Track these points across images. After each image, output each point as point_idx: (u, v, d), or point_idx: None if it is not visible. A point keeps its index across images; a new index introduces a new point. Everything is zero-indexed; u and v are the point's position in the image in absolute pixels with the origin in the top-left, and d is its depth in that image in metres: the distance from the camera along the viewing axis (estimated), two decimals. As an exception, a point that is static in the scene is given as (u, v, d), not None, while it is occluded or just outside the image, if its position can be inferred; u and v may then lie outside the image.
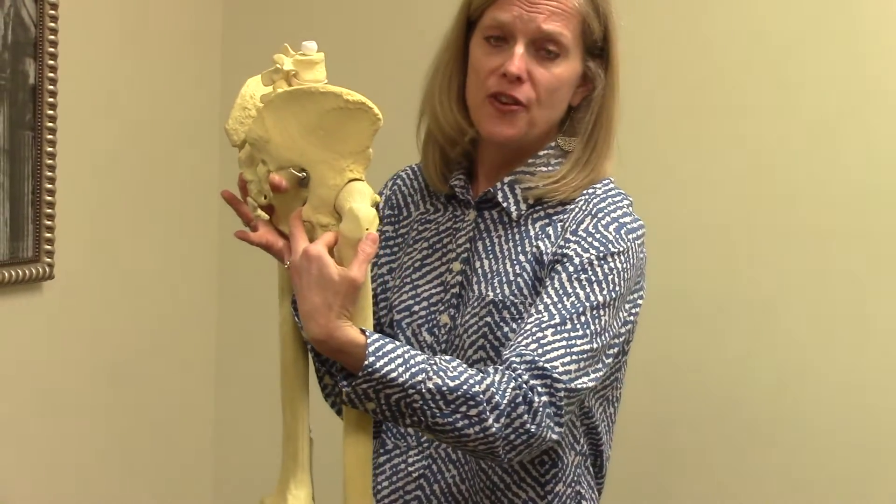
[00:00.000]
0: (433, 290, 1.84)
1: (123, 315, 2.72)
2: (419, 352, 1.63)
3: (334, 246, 1.62)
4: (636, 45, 2.36)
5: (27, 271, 2.42)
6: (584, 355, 1.68)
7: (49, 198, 2.45)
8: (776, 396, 2.55)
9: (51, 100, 2.44)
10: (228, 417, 3.03)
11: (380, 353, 1.59)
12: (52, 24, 2.43)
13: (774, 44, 2.53)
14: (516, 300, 1.77)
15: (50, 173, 2.45)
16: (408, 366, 1.60)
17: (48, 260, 2.47)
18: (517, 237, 1.81)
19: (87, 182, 2.59)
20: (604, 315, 1.71)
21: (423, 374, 1.60)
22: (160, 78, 2.79)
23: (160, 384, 2.85)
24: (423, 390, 1.59)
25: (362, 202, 1.61)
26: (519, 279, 1.78)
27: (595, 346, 1.69)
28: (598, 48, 1.82)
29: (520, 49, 1.76)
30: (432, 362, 1.61)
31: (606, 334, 1.72)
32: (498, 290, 1.78)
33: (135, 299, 2.75)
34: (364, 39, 2.84)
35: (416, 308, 1.84)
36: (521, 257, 1.79)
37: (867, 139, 2.48)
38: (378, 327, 1.88)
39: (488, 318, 1.77)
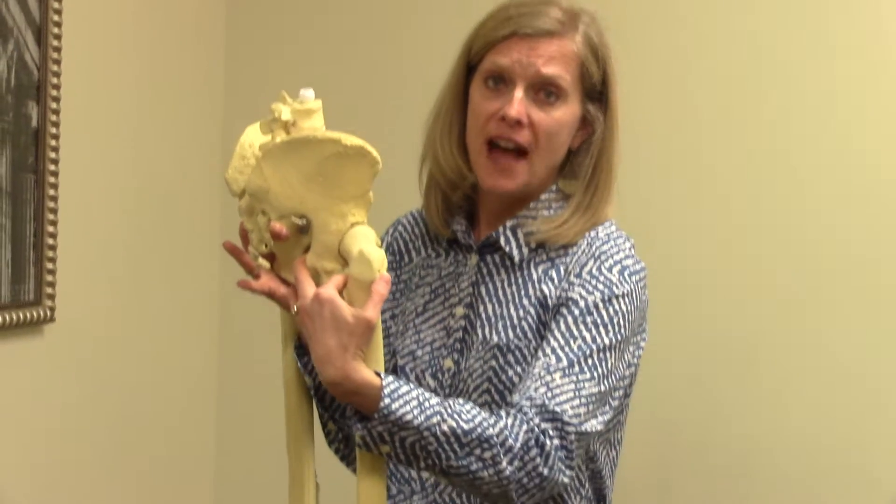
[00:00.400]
0: (436, 335, 1.84)
1: (125, 358, 2.72)
2: (432, 394, 1.63)
3: (343, 289, 1.62)
4: (636, 88, 2.37)
5: (29, 314, 2.42)
6: (593, 398, 1.68)
7: (51, 241, 2.46)
8: (774, 442, 2.55)
9: (53, 143, 2.44)
10: (230, 461, 3.02)
11: (395, 396, 1.59)
12: (55, 68, 2.43)
13: (777, 87, 2.54)
14: (521, 344, 1.77)
15: (52, 216, 2.45)
16: (423, 408, 1.60)
17: (49, 303, 2.47)
18: (520, 281, 1.81)
19: (88, 225, 2.59)
20: (610, 357, 1.72)
21: (438, 417, 1.60)
22: (162, 123, 2.80)
23: (162, 428, 2.85)
24: (438, 433, 1.59)
25: (369, 245, 1.62)
26: (523, 323, 1.78)
27: (602, 388, 1.70)
28: (597, 92, 1.83)
29: (519, 93, 1.76)
30: (446, 405, 1.62)
31: (613, 377, 1.72)
32: (502, 335, 1.78)
33: (136, 343, 2.75)
34: (364, 86, 2.85)
35: (419, 353, 1.84)
36: (525, 301, 1.79)
37: (869, 205, 2.50)
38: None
39: (493, 363, 1.77)
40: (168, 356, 2.86)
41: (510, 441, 1.61)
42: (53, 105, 2.44)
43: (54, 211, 2.45)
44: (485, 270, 1.84)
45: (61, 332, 2.52)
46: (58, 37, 2.43)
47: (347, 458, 1.88)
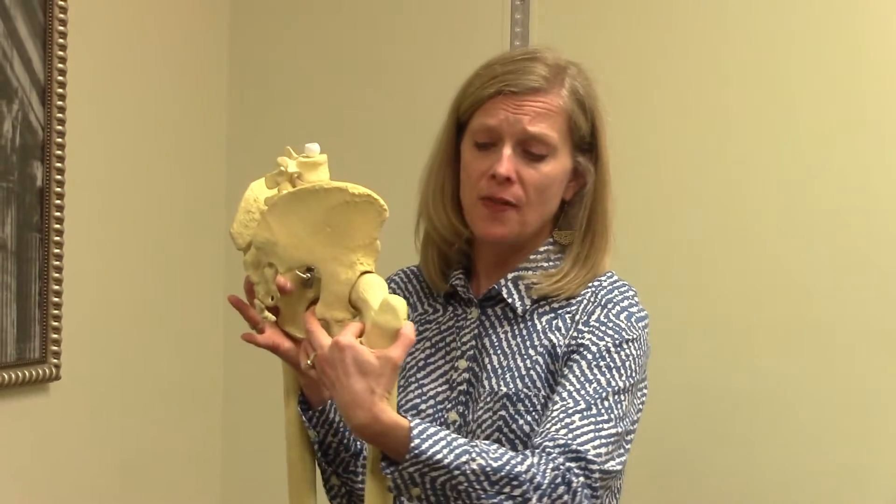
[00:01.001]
0: (439, 389, 1.85)
1: (130, 416, 2.72)
2: (458, 435, 1.63)
3: (359, 337, 1.61)
4: (627, 138, 2.39)
5: (34, 372, 2.43)
6: (612, 439, 1.70)
7: (56, 299, 2.47)
8: (782, 488, 2.54)
9: (58, 202, 2.46)
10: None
11: (424, 436, 1.59)
12: (60, 128, 2.46)
13: (776, 130, 2.55)
14: (530, 393, 1.78)
15: (57, 275, 2.46)
16: (452, 447, 1.60)
17: (55, 361, 2.48)
18: (524, 332, 1.82)
19: (93, 283, 2.60)
20: (623, 400, 1.74)
21: (467, 455, 1.60)
22: (166, 181, 2.82)
23: (167, 486, 2.84)
24: (468, 471, 1.59)
25: (388, 293, 1.62)
26: (532, 372, 1.79)
27: (619, 430, 1.72)
28: (586, 143, 1.84)
29: (507, 151, 1.78)
30: (474, 444, 1.62)
31: (627, 419, 1.74)
32: (510, 385, 1.79)
33: (142, 400, 2.75)
34: (367, 142, 2.86)
35: (423, 406, 1.84)
36: (531, 351, 1.80)
37: (877, 228, 2.50)
38: None
39: (503, 412, 1.78)
40: (174, 414, 2.86)
41: (538, 478, 1.62)
42: (58, 164, 2.46)
43: (59, 269, 2.47)
44: (487, 323, 1.85)
45: (67, 390, 2.52)
46: (62, 97, 2.46)
47: None
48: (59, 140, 2.46)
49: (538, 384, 1.78)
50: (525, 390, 1.78)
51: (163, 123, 2.81)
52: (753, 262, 2.56)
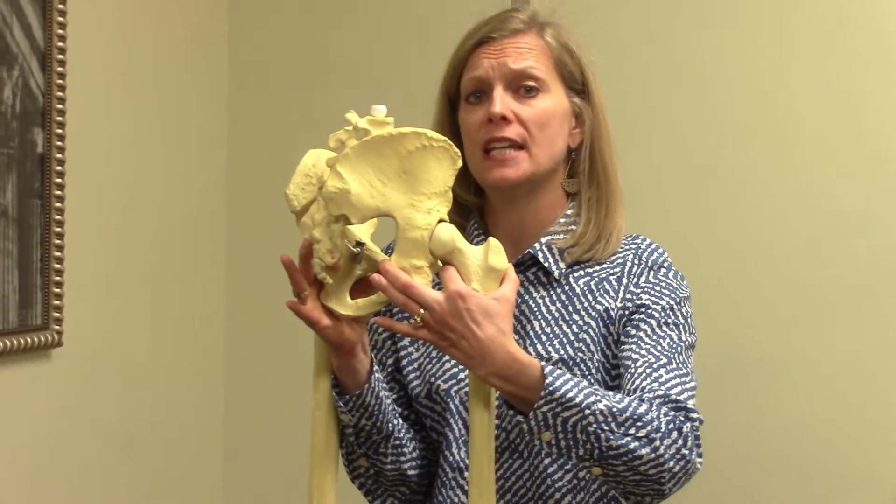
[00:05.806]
0: None
1: (132, 383, 2.72)
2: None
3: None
4: (628, 105, 2.37)
5: (36, 339, 2.43)
6: (694, 392, 1.72)
7: (58, 265, 2.46)
8: (782, 444, 2.55)
9: (59, 168, 2.46)
10: (238, 487, 3.01)
11: (555, 374, 1.59)
12: (60, 94, 2.45)
13: (790, 93, 2.54)
14: (584, 357, 1.78)
15: (58, 241, 2.46)
16: (579, 387, 1.59)
17: (57, 327, 2.48)
18: (563, 296, 1.82)
19: (95, 250, 2.60)
20: (692, 355, 1.78)
21: (594, 396, 1.60)
22: (167, 146, 2.81)
23: (169, 453, 2.84)
24: (597, 411, 1.59)
25: (465, 240, 1.62)
26: (584, 336, 1.79)
27: (695, 383, 1.74)
28: (579, 84, 1.85)
29: (498, 91, 1.78)
30: (594, 386, 1.62)
31: (695, 374, 1.76)
32: (561, 350, 1.78)
33: (144, 367, 2.75)
34: (366, 88, 2.85)
35: (461, 375, 1.81)
36: (576, 316, 1.80)
37: (872, 204, 2.48)
38: (406, 400, 1.88)
39: None
40: (175, 380, 2.86)
41: (656, 422, 1.62)
42: (59, 131, 2.45)
43: (61, 236, 2.46)
44: (521, 290, 1.80)
45: (69, 357, 2.53)
46: (62, 63, 2.45)
47: (374, 493, 1.86)
48: (60, 106, 2.45)
49: (592, 348, 1.78)
50: (580, 354, 1.78)
51: (163, 87, 2.80)
52: (766, 219, 2.56)
